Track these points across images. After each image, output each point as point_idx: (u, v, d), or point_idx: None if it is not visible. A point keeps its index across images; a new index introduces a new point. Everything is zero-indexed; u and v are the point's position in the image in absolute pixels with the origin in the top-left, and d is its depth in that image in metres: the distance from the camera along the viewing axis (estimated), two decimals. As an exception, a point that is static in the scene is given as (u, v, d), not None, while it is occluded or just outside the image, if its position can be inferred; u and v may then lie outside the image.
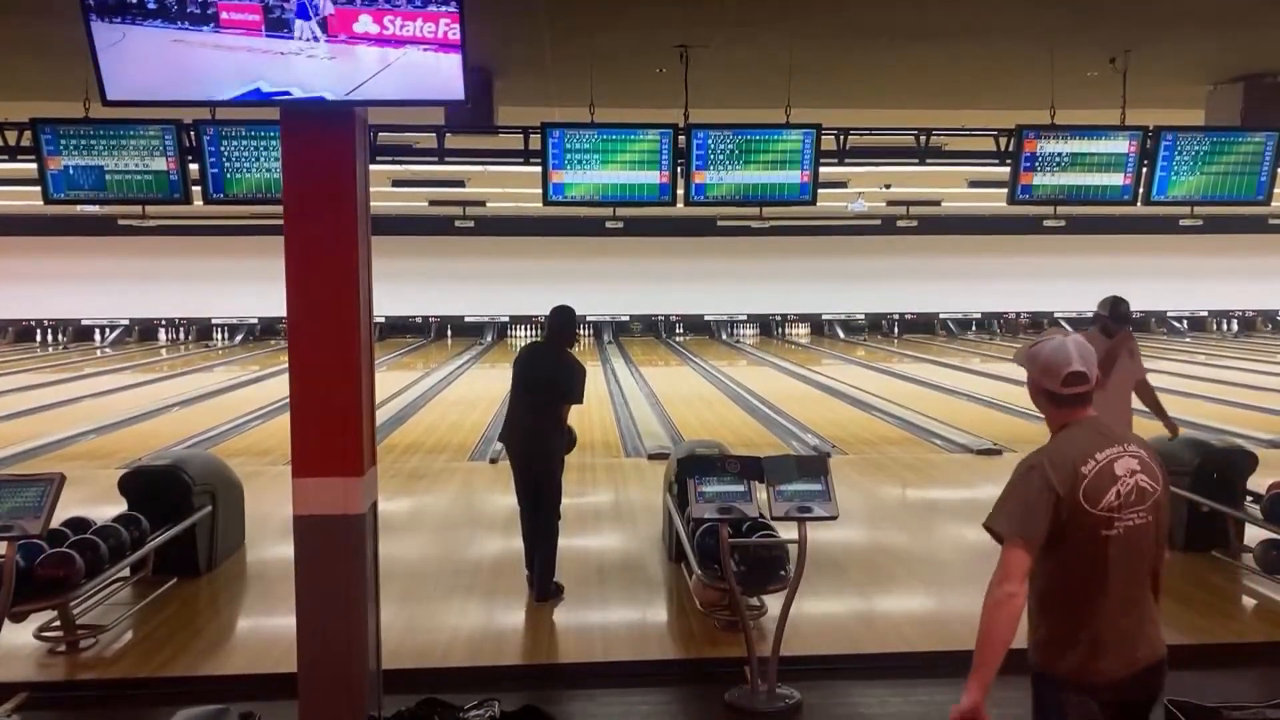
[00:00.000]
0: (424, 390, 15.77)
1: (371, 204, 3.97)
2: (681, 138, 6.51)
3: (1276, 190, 7.08)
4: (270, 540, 6.48)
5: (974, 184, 16.43)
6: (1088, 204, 7.10)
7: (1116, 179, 6.93)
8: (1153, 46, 6.69)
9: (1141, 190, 6.97)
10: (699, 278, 25.26)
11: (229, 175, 6.40)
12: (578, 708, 4.36)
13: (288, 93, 3.42)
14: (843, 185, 17.16)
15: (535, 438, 5.57)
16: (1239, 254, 24.58)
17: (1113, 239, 24.15)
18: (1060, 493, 2.44)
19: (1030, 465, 2.52)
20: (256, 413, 12.91)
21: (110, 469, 8.39)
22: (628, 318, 26.12)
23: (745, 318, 26.37)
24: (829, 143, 6.96)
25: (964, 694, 2.42)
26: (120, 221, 15.55)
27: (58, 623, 4.89)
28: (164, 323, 25.33)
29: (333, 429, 3.77)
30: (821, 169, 6.69)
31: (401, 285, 21.36)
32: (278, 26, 3.34)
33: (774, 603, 4.80)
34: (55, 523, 4.77)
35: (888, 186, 18.44)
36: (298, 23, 3.33)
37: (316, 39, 3.35)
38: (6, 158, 6.70)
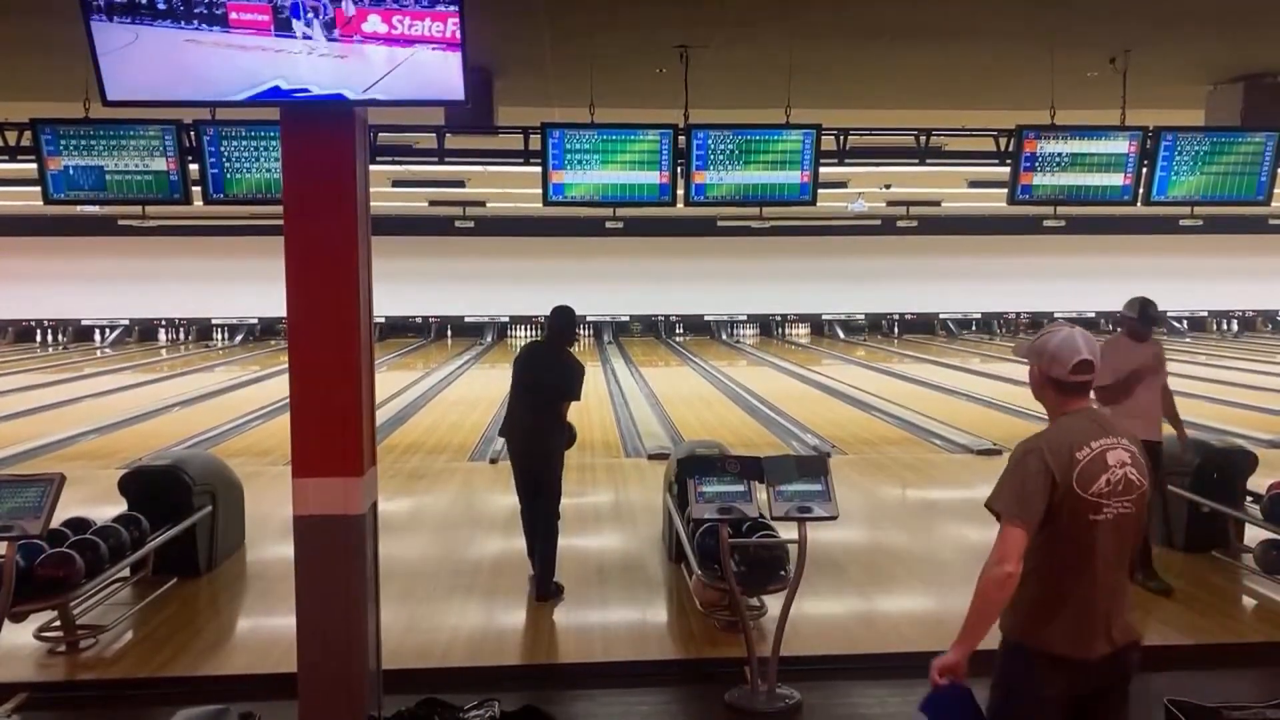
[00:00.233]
0: (424, 390, 15.77)
1: (371, 204, 3.97)
2: (681, 138, 6.50)
3: (1276, 190, 7.08)
4: (270, 540, 6.48)
5: (974, 184, 16.43)
6: (1088, 204, 7.09)
7: (1116, 179, 6.92)
8: (1153, 46, 6.69)
9: (1141, 190, 6.97)
10: (699, 278, 25.27)
11: (229, 175, 6.39)
12: (578, 708, 4.36)
13: (307, 90, 3.42)
14: (843, 185, 17.16)
15: (535, 435, 5.61)
16: (1239, 254, 24.58)
17: (1113, 239, 24.15)
18: (1056, 476, 2.56)
19: (1029, 449, 2.63)
20: (256, 413, 12.91)
21: (110, 469, 8.40)
22: (628, 318, 26.12)
23: (745, 318, 26.38)
24: (829, 143, 6.96)
25: (950, 651, 2.58)
26: (120, 221, 15.52)
27: (58, 623, 4.89)
28: (164, 323, 25.34)
29: (333, 429, 3.77)
30: (821, 169, 6.69)
31: (401, 285, 21.36)
32: (286, 26, 3.34)
33: (774, 603, 4.79)
34: (55, 523, 4.77)
35: (888, 186, 18.44)
36: (312, 23, 3.34)
37: (329, 38, 3.36)
38: (6, 158, 6.69)
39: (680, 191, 6.65)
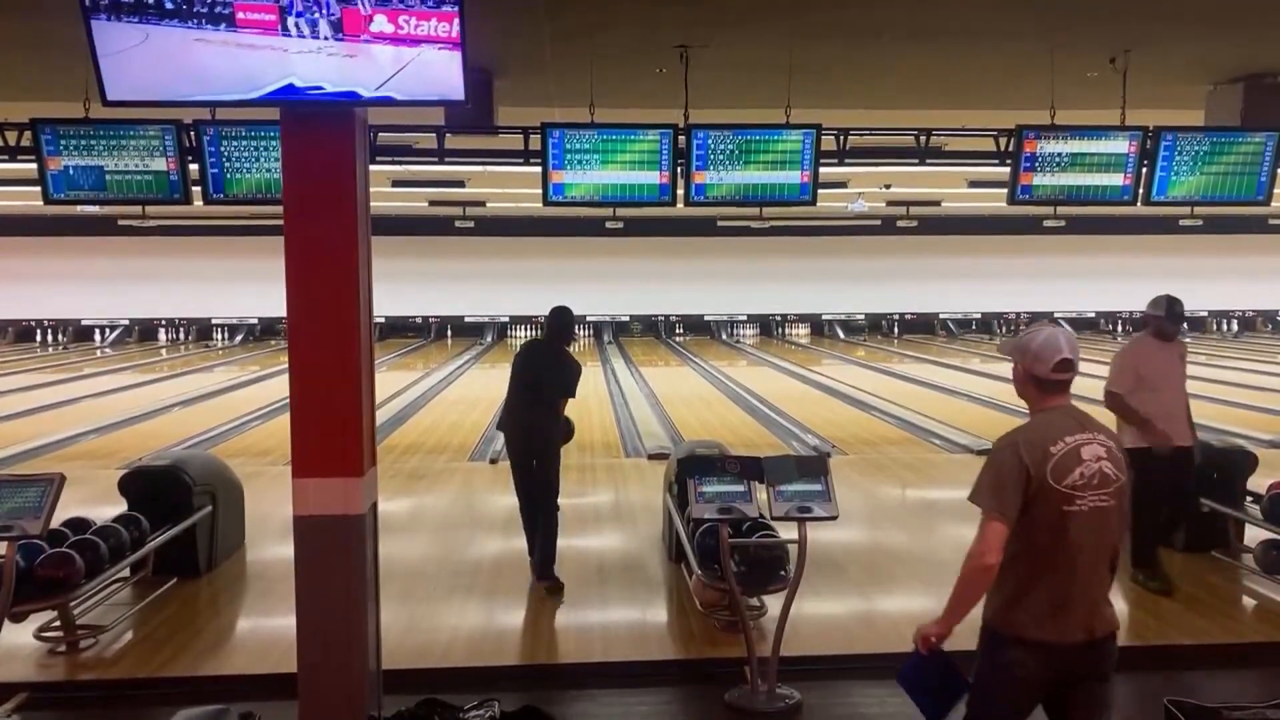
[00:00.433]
0: (424, 390, 15.77)
1: (371, 204, 3.97)
2: (681, 138, 6.50)
3: (1276, 190, 7.08)
4: (270, 540, 6.48)
5: (974, 184, 16.43)
6: (1088, 204, 7.09)
7: (1116, 179, 6.92)
8: (1153, 46, 6.69)
9: (1141, 190, 6.97)
10: (699, 278, 25.27)
11: (229, 175, 6.39)
12: (578, 708, 4.36)
13: (320, 88, 3.42)
14: (843, 185, 17.16)
15: (534, 430, 5.83)
16: (1239, 254, 24.56)
17: (1113, 239, 24.11)
18: (1031, 470, 2.68)
19: (1005, 444, 2.77)
20: (256, 413, 12.91)
21: (110, 469, 8.40)
22: (628, 318, 26.12)
23: (745, 318, 26.38)
24: (829, 143, 6.96)
25: (933, 623, 2.81)
26: (120, 221, 15.54)
27: (58, 623, 4.89)
28: (164, 323, 25.34)
29: (333, 429, 3.77)
30: (821, 169, 6.69)
31: (401, 285, 21.36)
32: (292, 26, 3.35)
33: (774, 603, 4.79)
34: (55, 523, 4.77)
35: (888, 186, 18.44)
36: (318, 22, 3.34)
37: (336, 38, 3.36)
38: (6, 158, 6.70)
39: (680, 191, 6.65)
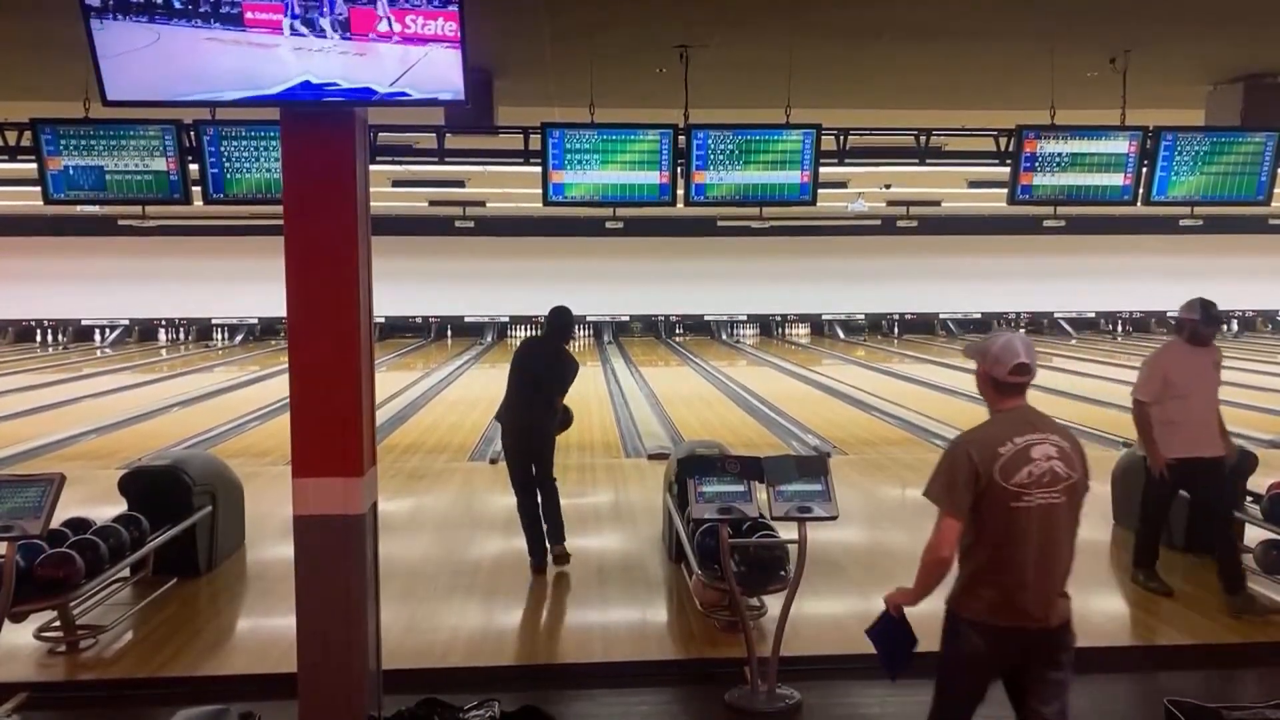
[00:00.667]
0: (424, 390, 15.78)
1: (371, 204, 3.97)
2: (681, 138, 6.50)
3: (1276, 190, 7.08)
4: (270, 540, 6.48)
5: (974, 184, 16.43)
6: (1088, 204, 7.09)
7: (1116, 179, 6.92)
8: (1153, 46, 6.69)
9: (1141, 190, 6.97)
10: (699, 278, 25.26)
11: (229, 175, 6.39)
12: (578, 708, 4.36)
13: (336, 84, 3.43)
14: (843, 185, 17.16)
15: (533, 430, 6.12)
16: (1239, 254, 24.54)
17: (1113, 239, 24.11)
18: (980, 469, 2.87)
19: (957, 445, 2.97)
20: (256, 413, 12.92)
21: (110, 469, 8.40)
22: (628, 318, 26.12)
23: (745, 318, 26.37)
24: (829, 143, 6.96)
25: (902, 593, 3.08)
26: (120, 221, 15.57)
27: (58, 623, 4.89)
28: (164, 323, 25.33)
29: (333, 429, 3.77)
30: (821, 169, 6.69)
31: (401, 285, 21.34)
32: (302, 25, 3.36)
33: (774, 603, 4.79)
34: (55, 523, 4.77)
35: (888, 186, 18.43)
36: (322, 22, 3.35)
37: (344, 37, 3.37)
38: (6, 158, 6.69)
39: (680, 191, 6.65)
